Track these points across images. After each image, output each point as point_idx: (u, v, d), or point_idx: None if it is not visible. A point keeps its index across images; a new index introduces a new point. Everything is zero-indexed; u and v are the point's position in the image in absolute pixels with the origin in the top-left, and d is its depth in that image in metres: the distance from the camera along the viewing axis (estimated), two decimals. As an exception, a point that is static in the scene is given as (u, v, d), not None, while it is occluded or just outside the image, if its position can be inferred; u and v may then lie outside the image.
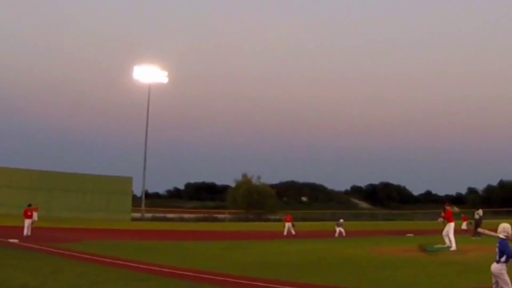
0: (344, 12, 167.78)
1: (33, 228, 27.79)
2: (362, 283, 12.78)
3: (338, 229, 37.01)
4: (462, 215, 40.55)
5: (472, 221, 32.35)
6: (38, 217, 29.98)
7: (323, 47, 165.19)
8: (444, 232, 21.65)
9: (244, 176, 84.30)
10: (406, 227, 37.79)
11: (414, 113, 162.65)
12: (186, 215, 68.41)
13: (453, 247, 20.74)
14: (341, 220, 38.70)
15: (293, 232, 37.26)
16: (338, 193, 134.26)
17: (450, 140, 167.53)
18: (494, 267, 8.34)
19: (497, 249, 8.35)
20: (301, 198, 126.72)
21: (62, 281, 12.15)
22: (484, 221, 30.93)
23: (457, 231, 31.37)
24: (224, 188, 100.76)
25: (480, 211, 32.06)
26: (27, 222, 27.53)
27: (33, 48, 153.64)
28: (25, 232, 27.01)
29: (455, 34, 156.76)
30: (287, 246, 25.44)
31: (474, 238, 27.11)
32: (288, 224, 38.04)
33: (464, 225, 37.03)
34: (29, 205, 28.97)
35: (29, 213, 27.90)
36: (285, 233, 37.17)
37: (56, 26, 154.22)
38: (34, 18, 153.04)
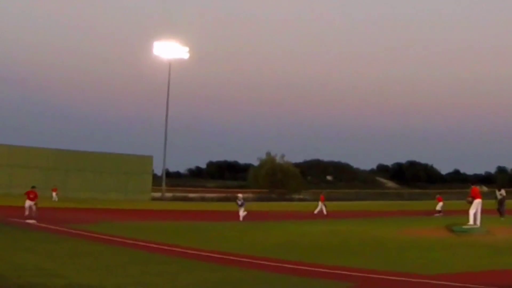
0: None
1: (39, 209, 26.09)
2: (388, 265, 12.31)
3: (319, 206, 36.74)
4: (438, 195, 39.59)
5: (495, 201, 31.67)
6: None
7: (351, 23, 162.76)
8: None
9: (268, 154, 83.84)
10: (433, 207, 36.99)
11: (443, 90, 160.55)
12: (207, 195, 68.45)
13: (470, 221, 20.53)
14: (239, 196, 31.51)
15: (324, 212, 36.79)
16: (363, 172, 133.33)
17: (479, 118, 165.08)
18: None
19: None
20: (326, 177, 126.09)
21: (79, 264, 11.83)
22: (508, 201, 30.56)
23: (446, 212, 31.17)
24: (247, 167, 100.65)
25: (503, 191, 31.31)
26: (28, 203, 25.60)
27: (51, 27, 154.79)
28: (26, 212, 25.34)
29: (483, 11, 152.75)
30: (311, 227, 24.99)
31: (502, 218, 27.04)
32: (321, 203, 37.47)
33: (438, 206, 36.43)
34: (33, 187, 27.16)
35: (31, 195, 25.83)
36: (316, 211, 36.72)
37: (74, 3, 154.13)
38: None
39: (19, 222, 23.05)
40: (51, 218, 24.90)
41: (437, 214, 34.95)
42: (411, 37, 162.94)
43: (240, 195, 30.00)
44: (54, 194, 44.53)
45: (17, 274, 10.15)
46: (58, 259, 12.51)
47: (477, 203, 20.77)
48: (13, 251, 13.72)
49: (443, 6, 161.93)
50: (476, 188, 22.14)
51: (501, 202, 30.09)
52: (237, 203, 29.70)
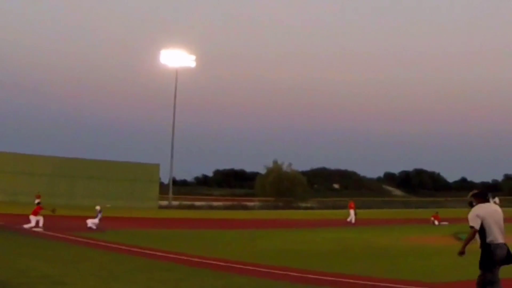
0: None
1: (44, 217, 24.72)
2: (393, 272, 12.26)
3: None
4: (350, 201, 38.97)
5: None
6: (59, 206, 29.07)
7: (357, 28, 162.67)
8: None
9: (275, 162, 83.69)
10: (440, 215, 36.84)
11: (449, 97, 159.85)
12: (214, 203, 68.30)
13: None
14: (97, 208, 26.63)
15: (353, 220, 35.92)
16: (370, 180, 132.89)
17: (486, 125, 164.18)
18: None
19: None
20: (333, 185, 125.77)
21: (84, 271, 11.84)
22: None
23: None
24: (254, 175, 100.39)
25: (497, 199, 30.85)
26: (35, 218, 24.23)
27: (58, 34, 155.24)
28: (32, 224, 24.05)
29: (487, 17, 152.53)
30: (317, 235, 24.95)
31: None
32: (352, 211, 36.74)
33: (351, 215, 35.94)
34: (38, 203, 26.65)
35: (38, 211, 24.69)
36: (353, 220, 35.80)
37: (80, 9, 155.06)
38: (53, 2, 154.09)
39: (24, 229, 23.08)
40: (56, 225, 24.91)
41: (444, 223, 34.68)
42: (418, 42, 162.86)
43: (97, 207, 26.23)
44: (37, 201, 44.05)
45: (20, 280, 10.17)
46: (63, 266, 12.51)
47: None
48: (17, 258, 13.74)
49: (453, 9, 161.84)
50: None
51: None
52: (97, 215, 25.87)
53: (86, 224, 25.26)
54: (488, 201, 7.57)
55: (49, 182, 51.24)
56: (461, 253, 7.46)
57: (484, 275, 7.27)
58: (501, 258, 7.24)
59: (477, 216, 7.29)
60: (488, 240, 7.24)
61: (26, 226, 23.70)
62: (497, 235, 7.26)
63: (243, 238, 23.09)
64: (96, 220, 25.34)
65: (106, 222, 26.37)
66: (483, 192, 7.68)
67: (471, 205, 7.64)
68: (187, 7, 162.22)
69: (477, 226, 7.25)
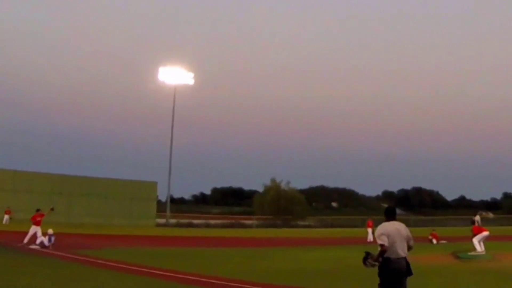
0: (384, 7, 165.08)
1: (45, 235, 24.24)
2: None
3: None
4: (369, 219, 38.90)
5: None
6: (58, 223, 28.42)
7: (357, 45, 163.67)
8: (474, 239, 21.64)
9: (273, 180, 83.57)
10: (439, 233, 36.71)
11: (446, 117, 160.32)
12: (212, 221, 68.05)
13: (478, 249, 21.28)
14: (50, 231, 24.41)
15: (371, 239, 35.21)
16: (369, 198, 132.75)
17: (484, 144, 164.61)
18: None
19: None
20: (331, 204, 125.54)
21: (81, 289, 11.76)
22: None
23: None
24: (252, 193, 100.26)
25: (478, 217, 29.59)
26: (34, 229, 24.13)
27: (57, 51, 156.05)
28: (25, 240, 23.89)
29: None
30: (316, 253, 24.81)
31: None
32: (370, 230, 36.51)
33: (369, 234, 35.70)
34: (38, 210, 25.43)
35: (38, 219, 24.48)
36: (371, 239, 35.10)
37: (77, 27, 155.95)
38: (54, 17, 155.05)
39: (23, 247, 22.94)
40: (55, 243, 24.78)
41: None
42: (417, 61, 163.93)
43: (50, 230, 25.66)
44: (6, 217, 43.29)
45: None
46: (61, 284, 12.43)
47: (485, 235, 21.29)
48: (17, 276, 13.65)
49: (452, 25, 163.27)
50: (475, 227, 22.53)
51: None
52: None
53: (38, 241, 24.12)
54: (394, 219, 8.35)
55: (48, 199, 51.15)
56: (373, 265, 8.19)
57: (381, 285, 8.12)
58: (401, 270, 8.01)
59: (382, 234, 8.08)
60: (387, 255, 8.00)
61: (37, 242, 23.64)
62: (398, 251, 8.02)
63: (241, 257, 22.94)
64: (45, 241, 23.94)
65: (104, 240, 26.17)
66: (388, 212, 8.46)
67: (472, 223, 8.03)
68: (185, 25, 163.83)
69: (386, 243, 7.99)
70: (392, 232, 8.08)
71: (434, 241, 34.35)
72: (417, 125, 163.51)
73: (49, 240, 24.05)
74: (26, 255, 20.05)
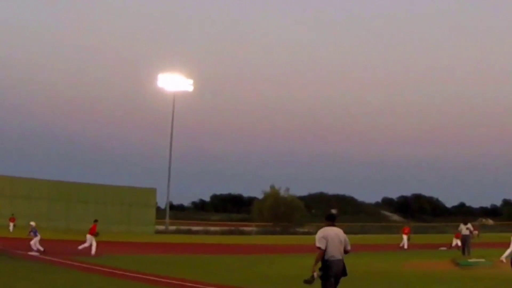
0: (385, 7, 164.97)
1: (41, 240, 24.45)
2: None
3: None
4: (405, 226, 38.65)
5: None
6: (57, 229, 28.65)
7: (356, 50, 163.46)
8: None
9: (272, 187, 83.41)
10: (439, 240, 36.58)
11: (447, 122, 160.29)
12: (211, 228, 67.86)
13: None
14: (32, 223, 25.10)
15: (405, 246, 35.08)
16: (368, 205, 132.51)
17: (484, 150, 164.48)
18: None
19: None
20: (330, 210, 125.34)
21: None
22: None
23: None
24: (251, 200, 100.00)
25: (470, 225, 26.78)
26: (90, 238, 24.83)
27: (54, 57, 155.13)
28: (93, 251, 24.37)
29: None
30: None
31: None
32: (405, 237, 35.87)
33: (404, 240, 35.21)
34: (96, 220, 26.13)
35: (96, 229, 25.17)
36: (405, 246, 34.95)
37: (76, 33, 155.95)
38: (51, 23, 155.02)
39: (22, 254, 22.85)
40: (53, 249, 24.72)
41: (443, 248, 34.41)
42: (416, 66, 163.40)
43: (32, 223, 24.66)
44: (11, 224, 43.00)
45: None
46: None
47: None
48: (16, 282, 13.58)
49: (455, 29, 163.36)
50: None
51: (465, 239, 26.32)
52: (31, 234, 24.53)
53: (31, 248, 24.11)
54: (334, 225, 9.42)
55: (47, 205, 51.14)
56: (313, 272, 9.00)
57: (324, 285, 9.06)
58: (337, 271, 9.11)
59: (323, 237, 9.14)
60: (327, 257, 9.03)
61: (80, 247, 24.22)
62: (335, 253, 9.10)
63: (241, 263, 22.84)
64: (37, 239, 23.99)
65: (103, 246, 26.09)
66: (329, 217, 9.72)
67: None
68: (184, 31, 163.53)
69: (323, 247, 9.02)
70: (331, 236, 9.14)
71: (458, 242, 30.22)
72: (416, 132, 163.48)
73: (34, 233, 23.98)
74: (26, 262, 20.01)
